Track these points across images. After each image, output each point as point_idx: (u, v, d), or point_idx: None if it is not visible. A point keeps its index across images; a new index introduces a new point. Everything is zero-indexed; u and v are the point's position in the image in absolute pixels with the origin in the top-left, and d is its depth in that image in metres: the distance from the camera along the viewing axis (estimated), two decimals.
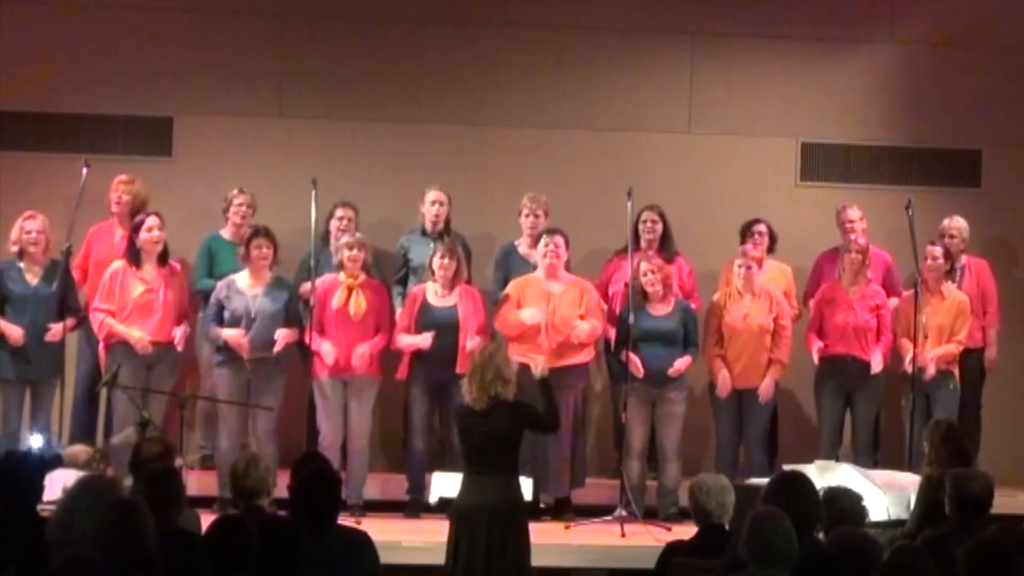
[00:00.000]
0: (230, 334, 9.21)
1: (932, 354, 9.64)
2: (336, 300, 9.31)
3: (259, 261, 9.30)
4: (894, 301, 10.03)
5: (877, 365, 9.61)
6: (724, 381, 9.52)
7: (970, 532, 6.01)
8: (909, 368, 9.59)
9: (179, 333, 9.37)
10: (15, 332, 9.25)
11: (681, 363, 9.41)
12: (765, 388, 9.54)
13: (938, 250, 9.81)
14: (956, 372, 9.83)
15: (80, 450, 7.63)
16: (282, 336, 9.26)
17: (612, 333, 9.65)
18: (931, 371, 9.65)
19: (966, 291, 10.06)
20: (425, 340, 9.31)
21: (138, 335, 9.19)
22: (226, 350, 9.27)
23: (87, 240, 9.87)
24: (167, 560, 5.36)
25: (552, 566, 8.23)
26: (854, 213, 10.24)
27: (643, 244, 9.83)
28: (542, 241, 9.48)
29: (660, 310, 9.47)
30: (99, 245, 9.82)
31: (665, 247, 9.93)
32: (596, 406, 10.36)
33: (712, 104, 11.05)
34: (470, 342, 9.14)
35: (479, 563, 7.21)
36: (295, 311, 9.44)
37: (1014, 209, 11.10)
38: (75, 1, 10.72)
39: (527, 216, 9.92)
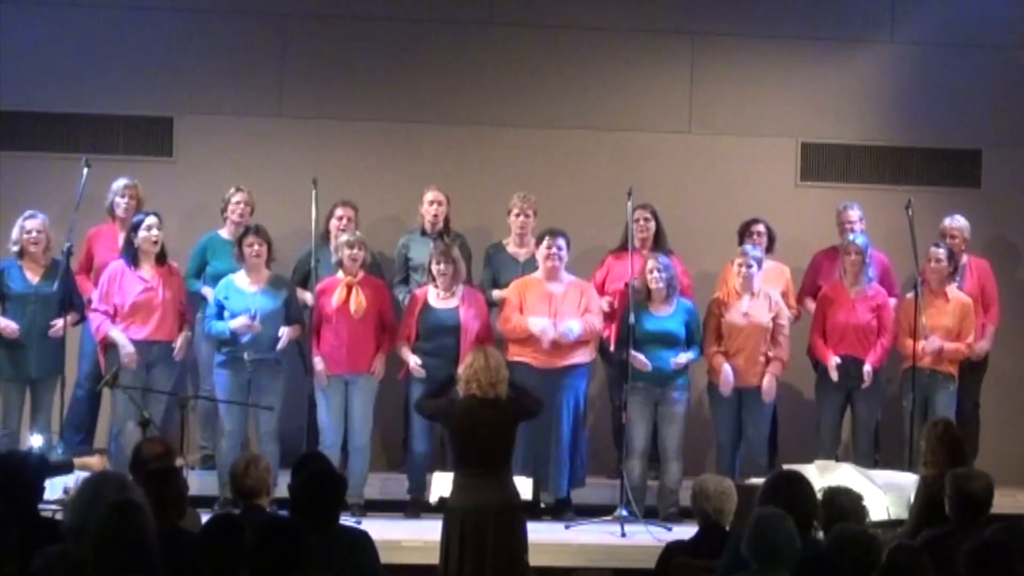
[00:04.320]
0: (237, 322, 9.19)
1: (938, 344, 9.60)
2: (336, 298, 9.30)
3: (253, 259, 9.30)
4: (892, 301, 10.03)
5: (868, 376, 9.60)
6: (726, 376, 9.49)
7: (970, 532, 6.01)
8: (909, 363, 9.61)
9: (179, 340, 9.38)
10: (10, 326, 9.24)
11: (684, 356, 9.40)
12: (768, 386, 9.52)
13: (942, 252, 9.80)
14: (956, 374, 9.83)
15: (95, 461, 7.63)
16: (286, 333, 9.27)
17: (612, 333, 9.65)
18: (934, 345, 9.59)
19: (967, 291, 10.04)
20: (419, 371, 9.31)
21: (129, 350, 9.18)
22: (227, 349, 9.26)
23: (87, 242, 9.82)
24: (168, 560, 5.37)
25: (552, 566, 8.25)
26: (854, 214, 10.21)
27: (636, 243, 9.81)
28: (544, 243, 9.47)
29: (663, 311, 9.46)
30: (102, 249, 9.74)
31: (658, 245, 9.92)
32: (596, 406, 10.36)
33: (712, 104, 11.04)
34: None
35: (475, 562, 7.21)
36: (296, 309, 9.45)
37: (1014, 209, 11.09)
38: (75, 1, 10.72)
39: (517, 215, 9.90)
